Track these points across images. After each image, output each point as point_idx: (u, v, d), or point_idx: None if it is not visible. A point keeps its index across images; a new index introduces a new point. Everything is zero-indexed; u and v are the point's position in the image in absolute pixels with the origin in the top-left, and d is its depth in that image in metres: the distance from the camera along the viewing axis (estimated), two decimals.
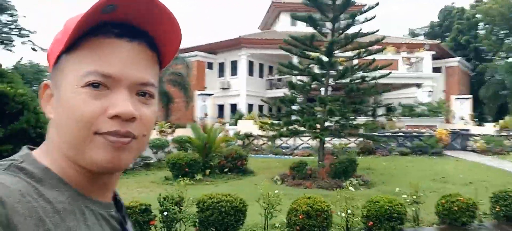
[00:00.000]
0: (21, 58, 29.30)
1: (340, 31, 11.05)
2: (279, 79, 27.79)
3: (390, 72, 11.24)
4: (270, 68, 30.05)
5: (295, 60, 14.38)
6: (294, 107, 11.07)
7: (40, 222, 0.48)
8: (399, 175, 11.32)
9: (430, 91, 21.40)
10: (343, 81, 10.99)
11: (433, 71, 31.53)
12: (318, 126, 10.82)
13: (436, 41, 31.17)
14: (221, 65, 29.02)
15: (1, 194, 0.47)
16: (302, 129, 10.78)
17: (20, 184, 0.51)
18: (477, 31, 35.60)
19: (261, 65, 29.54)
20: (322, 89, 11.24)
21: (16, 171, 0.53)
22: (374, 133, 11.35)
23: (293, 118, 11.30)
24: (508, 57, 32.91)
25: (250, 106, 27.39)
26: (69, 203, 0.54)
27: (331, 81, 11.25)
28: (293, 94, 10.86)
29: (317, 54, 10.94)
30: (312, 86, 11.22)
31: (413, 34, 44.27)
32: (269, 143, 15.86)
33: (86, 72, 0.54)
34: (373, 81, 10.85)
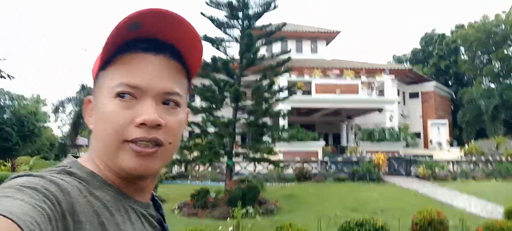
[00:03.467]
0: None
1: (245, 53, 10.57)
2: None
3: (292, 95, 10.72)
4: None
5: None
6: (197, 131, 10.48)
7: (95, 214, 0.54)
8: (316, 203, 10.61)
9: (390, 115, 20.70)
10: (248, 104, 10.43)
11: (410, 97, 31.23)
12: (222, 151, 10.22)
13: (408, 67, 30.80)
14: None
15: (66, 187, 0.53)
16: (206, 153, 10.14)
17: (75, 182, 0.56)
18: (457, 56, 35.12)
19: None
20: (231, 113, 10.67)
21: (67, 175, 0.58)
22: (274, 160, 10.59)
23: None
24: (486, 82, 32.28)
25: None
26: (114, 201, 0.59)
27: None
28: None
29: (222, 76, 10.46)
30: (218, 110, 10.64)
31: (398, 60, 43.96)
32: (209, 169, 15.25)
33: (116, 84, 0.60)
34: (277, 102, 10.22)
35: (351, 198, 10.89)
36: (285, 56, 10.84)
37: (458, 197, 10.71)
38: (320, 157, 18.28)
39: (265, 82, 10.07)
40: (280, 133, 19.41)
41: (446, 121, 27.12)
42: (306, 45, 31.75)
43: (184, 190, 12.17)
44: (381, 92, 21.45)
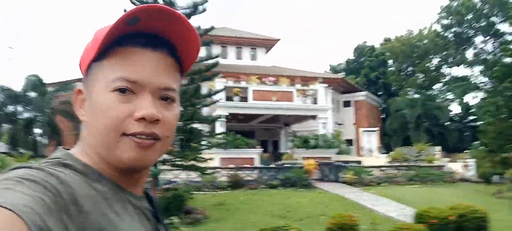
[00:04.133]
0: None
1: None
2: None
3: (217, 100, 10.53)
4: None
5: None
6: None
7: (96, 204, 0.54)
8: (246, 211, 10.55)
9: (323, 123, 21.45)
10: None
11: (344, 106, 32.71)
12: None
13: (341, 76, 32.22)
14: None
15: (66, 179, 0.54)
16: None
17: (72, 174, 0.56)
18: (386, 68, 37.52)
19: None
20: None
21: (63, 167, 0.57)
22: (202, 167, 10.36)
23: None
24: (411, 92, 34.86)
25: None
26: (112, 193, 0.59)
27: None
28: None
29: None
30: None
31: (334, 70, 45.93)
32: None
33: (115, 78, 0.60)
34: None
35: (280, 205, 10.99)
36: (213, 61, 10.65)
37: (379, 201, 11.27)
38: (257, 163, 18.36)
39: (192, 87, 9.80)
40: (215, 139, 19.23)
41: (376, 129, 28.71)
42: (246, 52, 31.97)
43: None
44: (315, 100, 22.17)
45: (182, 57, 0.67)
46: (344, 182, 14.60)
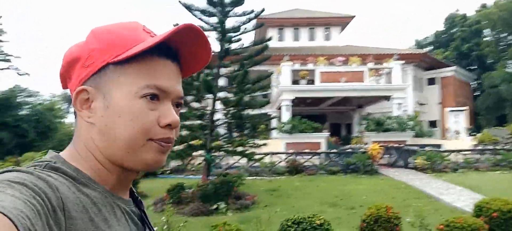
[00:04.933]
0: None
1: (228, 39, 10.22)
2: (264, 96, 27.05)
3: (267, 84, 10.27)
4: None
5: None
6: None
7: (84, 210, 0.55)
8: (297, 197, 10.32)
9: (398, 103, 19.82)
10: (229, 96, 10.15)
11: (428, 84, 29.86)
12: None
13: (422, 51, 29.45)
14: None
15: (55, 183, 0.53)
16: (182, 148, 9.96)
17: (61, 178, 0.56)
18: (480, 38, 33.22)
19: None
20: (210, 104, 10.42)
21: (53, 170, 0.57)
22: (250, 153, 10.16)
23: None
24: (511, 65, 30.45)
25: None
26: (101, 198, 0.60)
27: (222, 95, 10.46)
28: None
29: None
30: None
31: (419, 45, 42.23)
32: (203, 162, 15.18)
33: (145, 85, 0.61)
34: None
35: (335, 192, 10.51)
36: (262, 45, 10.45)
37: (450, 190, 10.10)
38: (323, 148, 17.85)
39: (240, 73, 9.73)
40: (279, 124, 19.08)
41: (464, 108, 25.78)
42: (319, 32, 31.05)
43: (162, 185, 12.18)
44: (391, 79, 20.59)
45: (187, 70, 0.71)
46: (414, 168, 13.39)
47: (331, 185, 11.51)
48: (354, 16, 31.10)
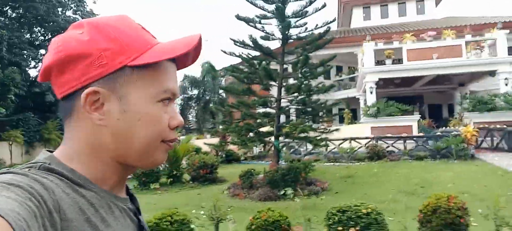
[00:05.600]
0: None
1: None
2: (351, 79, 26.08)
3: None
4: (338, 68, 28.40)
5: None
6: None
7: (80, 211, 0.55)
8: (372, 184, 9.74)
9: (506, 79, 17.11)
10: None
11: None
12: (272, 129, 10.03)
13: None
14: None
15: (50, 185, 0.54)
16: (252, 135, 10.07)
17: (57, 180, 0.56)
18: None
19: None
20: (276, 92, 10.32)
21: (48, 172, 0.57)
22: (318, 139, 9.59)
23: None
24: None
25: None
26: (97, 198, 0.60)
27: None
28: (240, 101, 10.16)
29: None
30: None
31: None
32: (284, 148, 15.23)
33: (163, 89, 0.64)
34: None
35: (417, 179, 9.60)
36: (325, 28, 9.93)
37: None
38: (415, 132, 16.45)
39: (301, 59, 9.42)
40: (365, 108, 18.11)
41: None
42: (411, 6, 28.58)
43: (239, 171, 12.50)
44: (495, 52, 17.93)
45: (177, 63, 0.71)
46: None
47: (413, 171, 10.56)
48: None
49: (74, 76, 0.60)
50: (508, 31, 17.82)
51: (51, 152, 0.63)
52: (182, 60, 0.69)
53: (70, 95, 0.61)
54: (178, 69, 0.70)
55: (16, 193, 0.48)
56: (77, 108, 0.61)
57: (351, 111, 23.31)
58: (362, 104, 21.59)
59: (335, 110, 26.17)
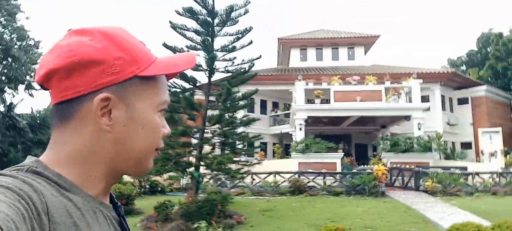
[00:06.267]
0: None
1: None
2: (286, 115, 26.90)
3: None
4: (275, 104, 29.26)
5: None
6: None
7: (68, 214, 0.54)
8: (289, 218, 9.95)
9: (419, 123, 18.83)
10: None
11: (459, 104, 28.30)
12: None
13: (449, 70, 28.18)
14: None
15: (39, 187, 0.53)
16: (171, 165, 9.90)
17: (44, 183, 0.56)
18: None
19: (263, 102, 28.87)
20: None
21: (35, 175, 0.57)
22: (234, 171, 9.82)
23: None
24: None
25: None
26: (83, 203, 0.59)
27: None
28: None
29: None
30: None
31: (453, 64, 40.44)
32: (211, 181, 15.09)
33: (163, 101, 0.67)
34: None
35: (330, 214, 10.02)
36: (248, 64, 10.30)
37: (453, 215, 9.31)
38: (338, 168, 17.24)
39: (223, 92, 9.62)
40: (294, 144, 18.63)
41: (499, 129, 24.10)
42: (343, 52, 30.68)
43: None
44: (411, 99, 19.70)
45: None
46: (425, 191, 12.54)
47: (329, 206, 11.01)
48: (379, 36, 30.47)
49: (83, 81, 0.60)
50: (421, 80, 19.77)
51: (38, 156, 0.63)
52: (169, 75, 0.72)
53: (72, 99, 0.61)
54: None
55: (5, 195, 0.48)
56: (80, 112, 0.61)
57: (285, 147, 23.96)
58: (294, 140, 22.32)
59: (270, 145, 26.89)
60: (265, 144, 27.34)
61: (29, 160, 0.61)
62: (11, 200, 0.48)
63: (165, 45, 9.81)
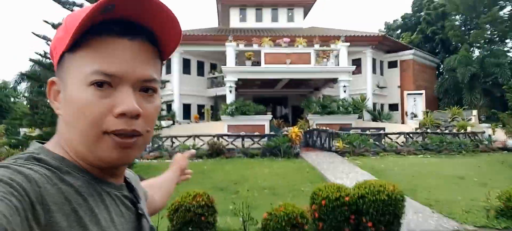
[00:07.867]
0: None
1: None
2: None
3: None
4: (213, 65, 28.72)
5: None
6: None
7: (66, 201, 0.52)
8: (194, 182, 9.86)
9: (344, 86, 19.41)
10: None
11: (389, 67, 29.54)
12: None
13: (381, 34, 29.11)
14: None
15: (34, 176, 0.51)
16: None
17: (43, 170, 0.54)
18: (449, 22, 32.81)
19: (200, 63, 28.20)
20: None
21: (35, 162, 0.55)
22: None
23: None
24: (473, 48, 30.25)
25: (186, 106, 26.22)
26: (86, 186, 0.57)
27: None
28: None
29: None
30: None
31: (389, 28, 41.87)
32: None
33: (91, 71, 0.56)
34: None
35: (236, 176, 10.11)
36: None
37: (351, 174, 9.76)
38: (267, 130, 17.45)
39: None
40: (224, 106, 18.46)
41: (421, 92, 25.61)
42: (282, 13, 30.46)
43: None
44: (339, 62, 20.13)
45: (161, 43, 0.63)
46: (336, 151, 13.06)
47: (237, 168, 11.11)
48: None
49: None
50: (348, 44, 20.20)
51: (43, 143, 0.61)
52: (166, 42, 0.62)
53: None
54: (167, 55, 0.64)
55: None
56: None
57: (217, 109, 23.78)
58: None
59: (208, 107, 26.59)
60: (202, 106, 27.11)
61: (33, 146, 0.60)
62: (2, 193, 0.46)
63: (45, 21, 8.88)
